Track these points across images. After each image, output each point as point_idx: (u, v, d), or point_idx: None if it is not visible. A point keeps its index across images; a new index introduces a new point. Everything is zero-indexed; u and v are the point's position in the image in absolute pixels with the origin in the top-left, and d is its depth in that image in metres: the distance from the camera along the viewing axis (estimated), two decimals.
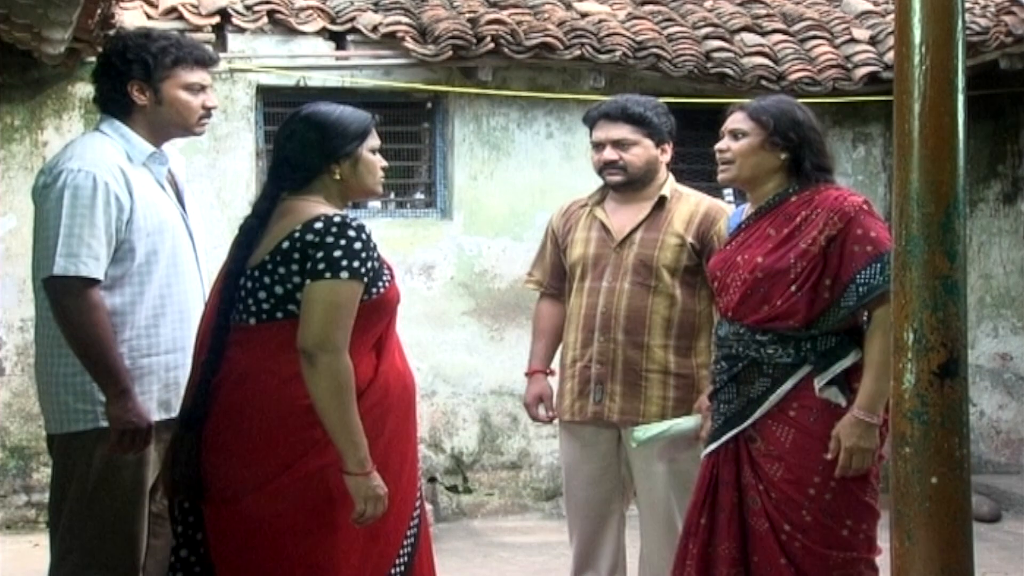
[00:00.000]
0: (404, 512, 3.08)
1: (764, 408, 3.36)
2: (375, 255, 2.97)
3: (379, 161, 3.16)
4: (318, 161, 3.06)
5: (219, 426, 2.97)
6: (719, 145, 3.53)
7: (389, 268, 3.08)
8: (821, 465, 3.29)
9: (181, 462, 2.98)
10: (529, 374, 4.21)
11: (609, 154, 3.97)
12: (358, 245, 2.91)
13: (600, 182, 4.13)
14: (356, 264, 2.90)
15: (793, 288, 3.33)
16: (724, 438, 3.43)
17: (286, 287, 2.94)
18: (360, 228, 2.94)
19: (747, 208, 3.59)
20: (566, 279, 4.15)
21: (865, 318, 3.36)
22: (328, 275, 2.89)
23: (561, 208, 4.24)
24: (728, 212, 4.04)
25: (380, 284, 3.00)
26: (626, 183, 3.99)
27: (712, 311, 3.95)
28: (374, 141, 3.13)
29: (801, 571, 3.31)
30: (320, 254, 2.90)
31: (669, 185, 4.06)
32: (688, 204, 4.02)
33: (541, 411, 4.15)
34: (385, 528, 3.00)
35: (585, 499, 4.06)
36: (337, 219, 2.94)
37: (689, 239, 3.94)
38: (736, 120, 3.51)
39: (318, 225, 2.92)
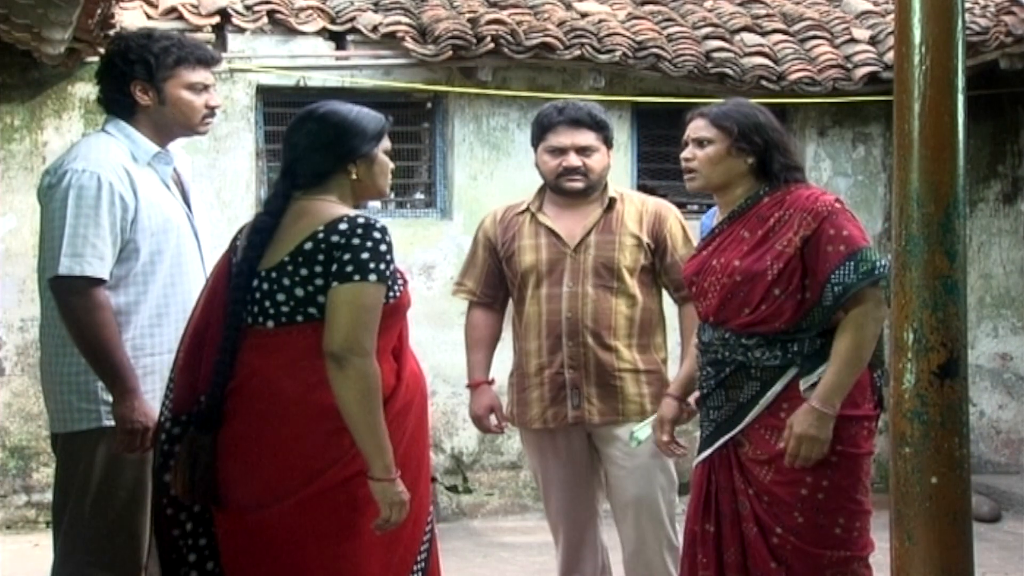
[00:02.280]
0: (421, 517, 3.05)
1: (755, 412, 3.34)
2: (393, 258, 2.95)
3: (390, 162, 3.15)
4: (336, 161, 3.02)
5: (240, 433, 2.90)
6: (684, 154, 3.50)
7: (401, 273, 3.05)
8: (812, 465, 3.29)
9: (200, 468, 2.90)
10: (473, 386, 4.14)
11: (574, 160, 3.94)
12: (383, 247, 2.88)
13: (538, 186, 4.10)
14: (382, 267, 2.87)
15: (776, 292, 3.31)
16: (717, 444, 3.41)
17: (307, 289, 2.89)
18: (383, 230, 2.91)
19: (717, 212, 3.57)
20: (500, 287, 4.12)
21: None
22: (356, 277, 2.84)
23: (494, 215, 4.18)
24: (674, 211, 4.06)
25: (396, 288, 2.97)
26: (585, 190, 3.97)
27: (663, 308, 4.00)
28: (386, 142, 3.13)
29: (793, 573, 3.30)
30: (347, 256, 2.85)
31: (612, 187, 4.06)
32: (635, 204, 4.03)
33: (492, 421, 4.13)
34: (404, 534, 2.97)
35: (566, 505, 4.05)
36: (361, 220, 2.90)
37: (645, 238, 3.95)
38: (699, 128, 3.47)
39: (343, 226, 2.88)
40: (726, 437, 3.39)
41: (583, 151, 3.95)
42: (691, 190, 3.61)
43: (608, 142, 4.00)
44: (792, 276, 3.30)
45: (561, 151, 3.96)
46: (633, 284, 3.92)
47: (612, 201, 3.99)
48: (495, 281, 4.12)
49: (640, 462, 3.93)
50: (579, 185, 3.96)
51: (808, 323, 3.32)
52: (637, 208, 4.01)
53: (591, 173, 3.96)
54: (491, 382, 4.15)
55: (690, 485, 3.56)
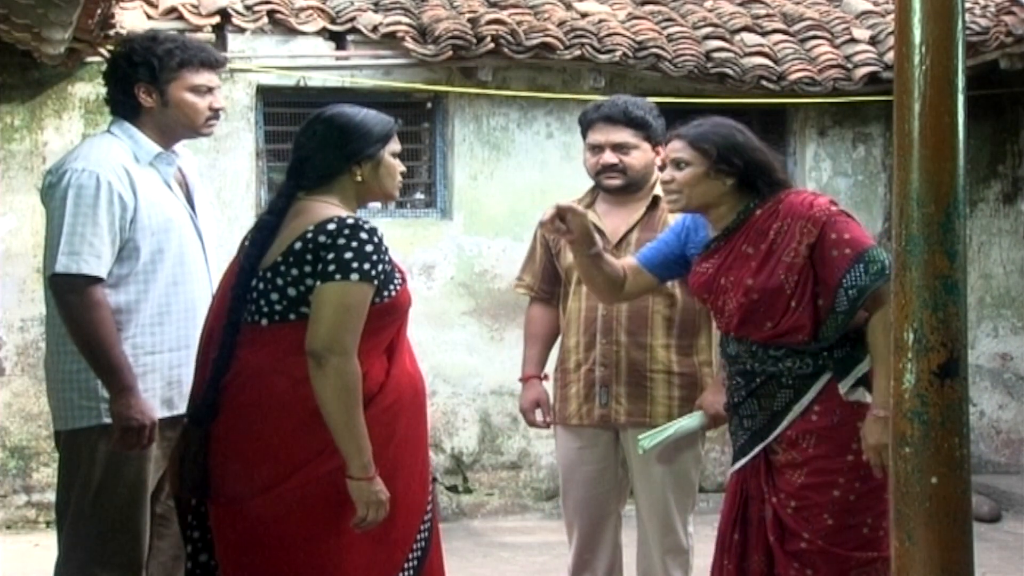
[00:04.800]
0: (414, 516, 3.07)
1: (789, 419, 3.33)
2: (387, 258, 2.96)
3: (398, 165, 3.16)
4: (340, 162, 3.05)
5: (229, 426, 2.95)
6: (663, 176, 3.48)
7: (401, 272, 3.06)
8: (846, 467, 3.27)
9: (189, 460, 2.97)
10: (524, 380, 4.18)
11: (609, 157, 3.94)
12: (369, 248, 2.90)
13: (590, 184, 4.11)
14: (367, 266, 2.89)
15: (793, 304, 3.29)
16: (752, 453, 3.39)
17: (299, 289, 2.92)
18: (372, 231, 2.94)
19: (711, 228, 3.50)
20: (558, 283, 4.13)
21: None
22: (338, 276, 2.87)
23: None
24: None
25: (392, 287, 2.99)
26: (624, 187, 3.98)
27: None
28: (395, 145, 3.13)
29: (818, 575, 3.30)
30: (331, 255, 2.88)
31: (660, 185, 4.05)
32: None
33: (538, 416, 4.14)
34: (394, 532, 2.98)
35: (583, 500, 4.05)
36: (350, 221, 2.93)
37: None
38: (676, 149, 3.43)
39: (331, 227, 2.91)
40: (761, 445, 3.37)
41: (619, 148, 3.94)
42: (671, 211, 3.61)
43: (651, 139, 3.97)
44: (805, 286, 3.28)
45: (599, 148, 3.97)
46: (672, 283, 3.89)
47: (656, 199, 3.98)
48: (552, 277, 4.15)
49: (651, 467, 3.92)
50: (616, 182, 3.96)
51: (828, 331, 3.29)
52: None
53: (629, 170, 3.95)
54: (544, 377, 4.16)
55: (724, 493, 3.55)
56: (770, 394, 3.37)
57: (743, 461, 3.43)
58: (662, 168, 3.55)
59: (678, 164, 3.42)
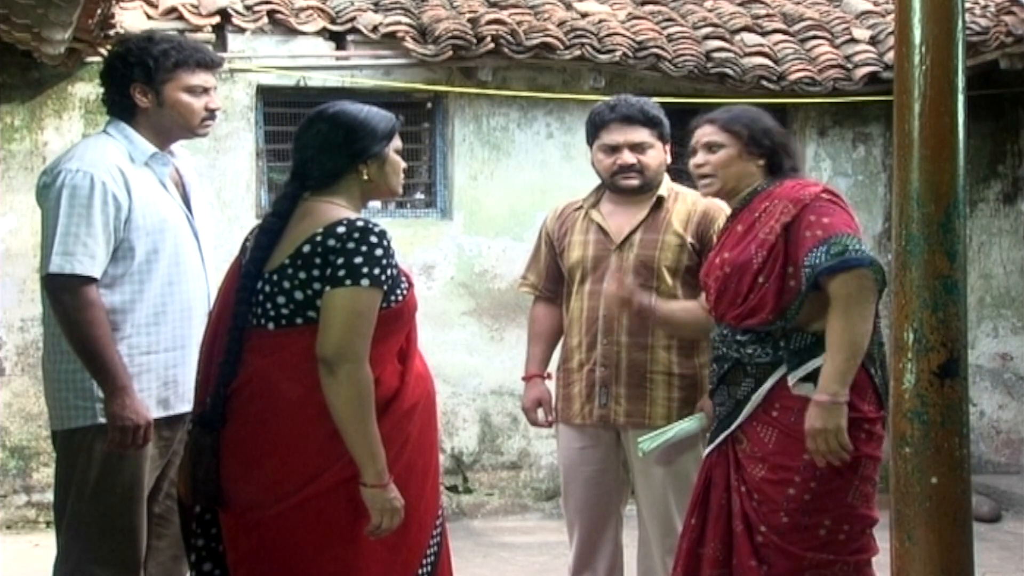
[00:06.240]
0: (427, 521, 3.03)
1: (748, 409, 3.36)
2: (394, 262, 2.92)
3: (401, 161, 3.13)
4: (346, 161, 3.00)
5: (241, 434, 2.89)
6: (696, 160, 3.54)
7: (407, 276, 3.02)
8: (802, 465, 3.28)
9: (202, 468, 2.90)
10: (527, 379, 4.18)
11: (628, 157, 3.92)
12: (379, 252, 2.86)
13: (590, 184, 4.10)
14: (377, 271, 2.85)
15: (760, 280, 3.32)
16: (718, 440, 3.44)
17: (306, 292, 2.87)
18: (382, 234, 2.89)
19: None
20: (561, 282, 4.13)
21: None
22: (348, 282, 2.83)
23: (555, 210, 4.20)
24: (726, 211, 4.04)
25: (398, 292, 2.95)
26: (641, 187, 3.97)
27: None
28: (398, 141, 3.10)
29: (774, 572, 3.30)
30: (341, 260, 2.84)
31: (666, 185, 4.04)
32: (685, 203, 3.99)
33: (540, 415, 4.14)
34: (407, 538, 2.95)
35: (584, 500, 4.05)
36: (360, 223, 2.88)
37: (689, 239, 3.92)
38: (708, 133, 3.51)
39: (340, 230, 2.86)
40: (725, 433, 3.42)
41: (637, 148, 3.93)
42: (704, 196, 3.68)
43: (663, 138, 3.97)
44: (774, 263, 3.32)
45: (615, 149, 3.95)
46: (675, 285, 3.89)
47: (660, 200, 3.97)
48: (555, 276, 4.14)
49: (651, 468, 3.92)
50: (634, 182, 3.95)
51: (792, 314, 3.32)
52: (687, 208, 3.98)
53: (646, 170, 3.94)
54: (546, 376, 4.16)
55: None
56: (736, 382, 3.41)
57: (710, 448, 3.47)
58: (693, 154, 3.58)
59: (710, 147, 3.49)
